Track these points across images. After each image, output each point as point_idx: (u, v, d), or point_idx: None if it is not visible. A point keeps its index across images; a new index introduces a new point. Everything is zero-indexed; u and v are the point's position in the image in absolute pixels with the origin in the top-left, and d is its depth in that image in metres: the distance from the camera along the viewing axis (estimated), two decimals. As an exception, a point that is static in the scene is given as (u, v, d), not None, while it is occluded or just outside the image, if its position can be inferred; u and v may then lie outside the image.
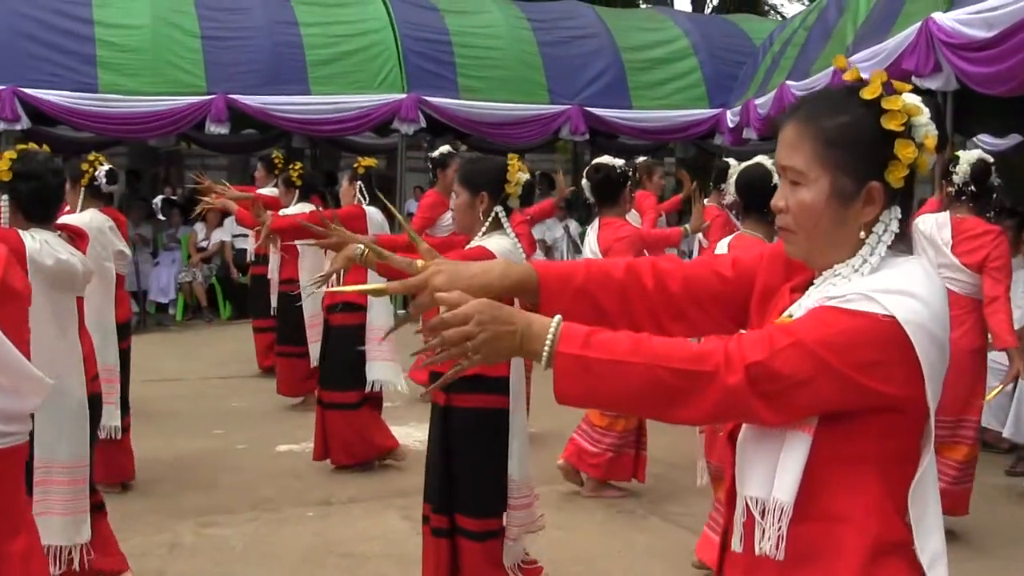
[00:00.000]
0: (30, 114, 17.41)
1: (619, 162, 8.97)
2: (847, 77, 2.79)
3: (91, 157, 8.80)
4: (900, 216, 2.70)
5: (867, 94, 2.68)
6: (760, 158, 6.88)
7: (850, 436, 2.60)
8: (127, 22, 18.26)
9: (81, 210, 8.64)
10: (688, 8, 34.39)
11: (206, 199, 11.27)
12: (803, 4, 34.39)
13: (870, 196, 2.67)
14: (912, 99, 2.68)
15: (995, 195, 8.22)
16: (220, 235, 19.55)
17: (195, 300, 19.51)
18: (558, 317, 2.62)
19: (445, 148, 12.09)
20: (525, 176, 6.21)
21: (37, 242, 6.07)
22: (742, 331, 2.76)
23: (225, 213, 15.35)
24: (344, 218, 9.47)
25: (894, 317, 2.50)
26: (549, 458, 9.13)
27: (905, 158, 2.64)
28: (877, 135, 2.64)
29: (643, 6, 34.58)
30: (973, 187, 7.85)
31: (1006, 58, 9.88)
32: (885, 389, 2.52)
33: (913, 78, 11.17)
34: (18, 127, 17.36)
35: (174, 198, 21.48)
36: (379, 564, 7.53)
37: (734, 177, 7.12)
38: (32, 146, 6.70)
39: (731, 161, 9.38)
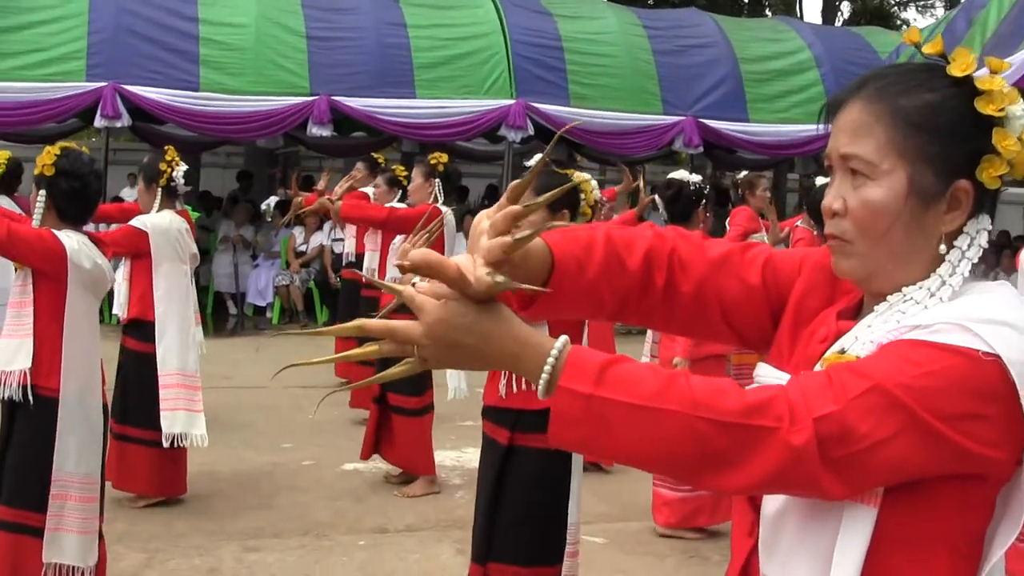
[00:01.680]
0: (131, 111, 17.11)
1: (695, 178, 8.54)
2: (908, 38, 2.31)
3: (168, 156, 8.53)
4: (989, 227, 2.14)
5: (956, 70, 2.10)
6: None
7: (923, 510, 2.01)
8: (232, 20, 17.97)
9: (158, 211, 8.40)
10: (818, 20, 33.71)
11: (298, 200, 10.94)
12: (936, 18, 33.54)
13: (956, 198, 2.09)
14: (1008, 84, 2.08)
15: None
16: (319, 239, 19.27)
17: (292, 304, 19.23)
18: (564, 339, 1.96)
19: (535, 157, 11.61)
20: (595, 194, 5.94)
21: (75, 242, 5.95)
22: (801, 372, 2.10)
23: (325, 216, 15.09)
24: (415, 219, 8.97)
25: (998, 356, 1.91)
26: (623, 491, 8.55)
27: (1006, 151, 2.06)
28: (969, 121, 2.07)
29: (769, 16, 33.84)
30: None
31: None
32: (980, 450, 1.93)
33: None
34: (119, 124, 17.13)
35: (284, 200, 21.27)
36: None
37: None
38: (71, 145, 6.45)
39: (818, 180, 8.67)
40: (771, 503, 2.15)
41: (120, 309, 8.86)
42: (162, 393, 8.20)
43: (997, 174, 2.06)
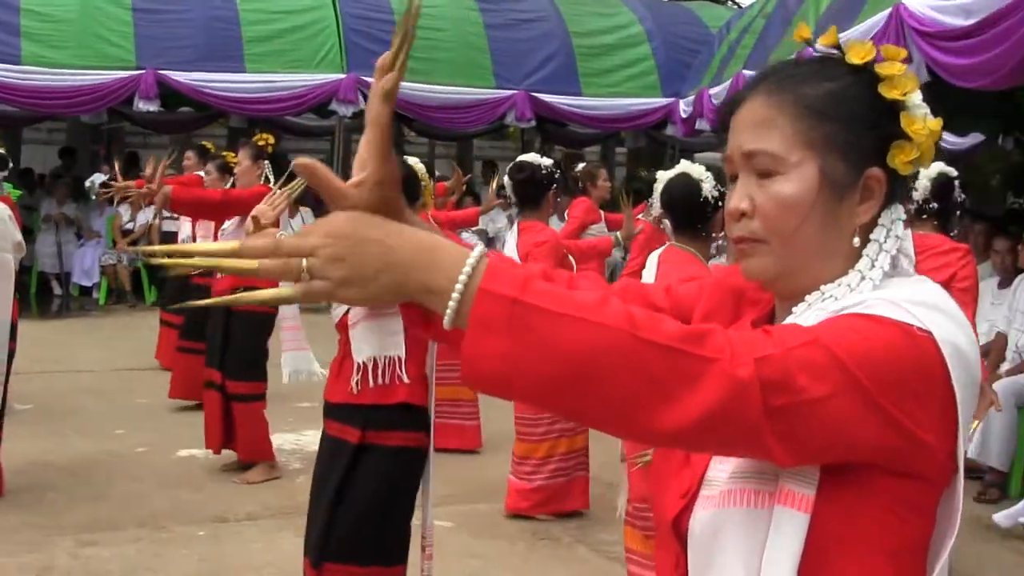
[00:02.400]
0: (-52, 86, 16.59)
1: (547, 161, 8.39)
2: (798, 35, 2.21)
3: None
4: (904, 217, 2.07)
5: (855, 58, 2.04)
6: (684, 166, 6.15)
7: (858, 514, 1.88)
8: (54, -9, 17.45)
9: None
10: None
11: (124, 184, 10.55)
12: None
13: (868, 188, 2.02)
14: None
15: (960, 212, 7.59)
16: (146, 216, 18.87)
17: (120, 284, 18.84)
18: (480, 247, 1.72)
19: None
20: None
21: None
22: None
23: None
24: (250, 200, 8.72)
25: (931, 333, 1.84)
26: (469, 473, 8.44)
27: (916, 135, 1.99)
28: (875, 107, 2.00)
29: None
30: (935, 203, 7.18)
31: (987, 48, 9.21)
32: (915, 429, 1.82)
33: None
34: (-66, 99, 16.63)
35: (107, 178, 20.84)
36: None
37: (659, 190, 6.28)
38: None
39: (658, 174, 8.66)
40: (698, 522, 1.99)
41: None
42: None
43: (908, 159, 1.99)
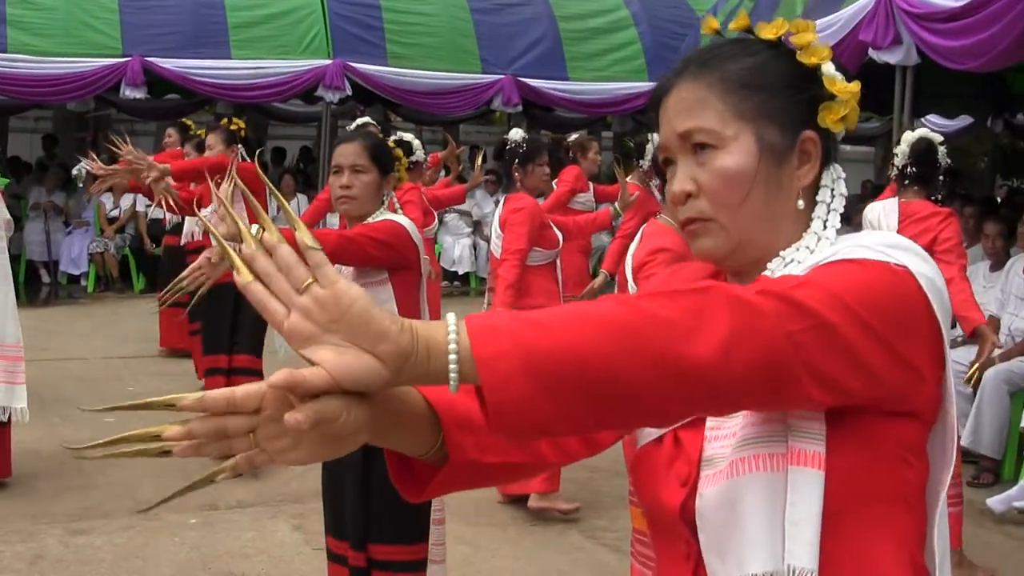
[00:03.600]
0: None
1: (516, 136, 8.48)
2: (707, 27, 2.28)
3: None
4: (843, 175, 2.13)
5: (768, 33, 2.13)
6: None
7: (869, 465, 1.89)
8: (40, -22, 17.38)
9: None
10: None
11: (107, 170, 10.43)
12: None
13: (805, 151, 2.07)
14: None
15: (943, 176, 7.59)
16: (130, 202, 18.83)
17: (107, 271, 18.81)
18: (451, 315, 1.61)
19: (365, 119, 11.37)
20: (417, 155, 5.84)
21: None
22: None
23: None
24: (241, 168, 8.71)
25: (907, 268, 1.87)
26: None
27: (841, 93, 2.07)
28: (796, 74, 2.08)
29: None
30: (915, 168, 7.26)
31: (978, 30, 9.22)
32: (919, 364, 1.85)
33: (871, 51, 10.59)
34: (-80, 87, 16.59)
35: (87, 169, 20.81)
36: (262, 585, 6.77)
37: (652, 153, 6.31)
38: None
39: (653, 136, 8.54)
40: (710, 502, 1.94)
41: None
42: None
43: (838, 117, 2.07)
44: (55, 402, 10.79)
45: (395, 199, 5.70)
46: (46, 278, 18.91)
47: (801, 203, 2.06)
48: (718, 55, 2.08)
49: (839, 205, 2.09)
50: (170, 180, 9.29)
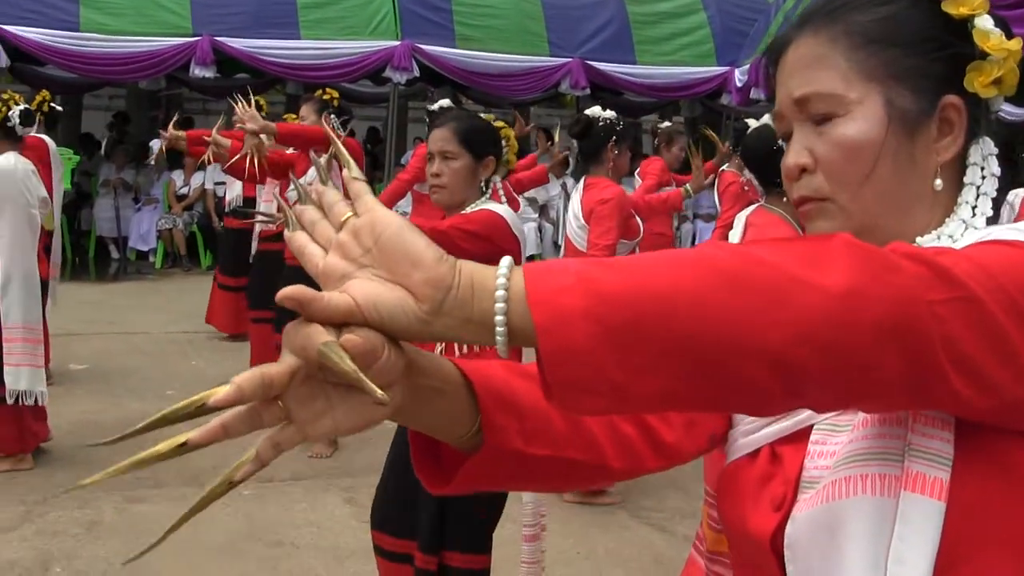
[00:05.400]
0: (10, 52, 16.73)
1: (608, 113, 8.05)
2: None
3: (5, 96, 8.22)
4: (995, 151, 1.75)
5: None
6: (767, 118, 5.57)
7: (1000, 500, 1.50)
8: (112, -41, 17.55)
9: None
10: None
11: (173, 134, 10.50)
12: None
13: (946, 119, 1.71)
14: None
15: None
16: (199, 180, 19.03)
17: (175, 248, 19.02)
18: (507, 259, 1.36)
19: (445, 102, 11.40)
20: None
21: None
22: None
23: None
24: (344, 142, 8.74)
25: None
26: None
27: (994, 50, 1.69)
28: (939, 27, 1.71)
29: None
30: None
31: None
32: None
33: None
34: (-1, 65, 16.80)
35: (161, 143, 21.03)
36: (305, 557, 6.89)
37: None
38: None
39: (750, 122, 8.15)
40: (803, 528, 1.62)
41: None
42: (5, 348, 8.00)
43: (989, 80, 1.70)
44: (119, 375, 10.97)
45: (499, 186, 5.42)
46: (115, 254, 19.11)
47: (939, 182, 1.72)
48: (845, 4, 1.76)
49: (990, 188, 1.74)
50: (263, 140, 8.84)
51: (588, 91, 19.30)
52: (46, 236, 8.79)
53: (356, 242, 1.36)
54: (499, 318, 1.31)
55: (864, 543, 1.53)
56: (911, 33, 1.71)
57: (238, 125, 8.34)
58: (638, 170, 11.75)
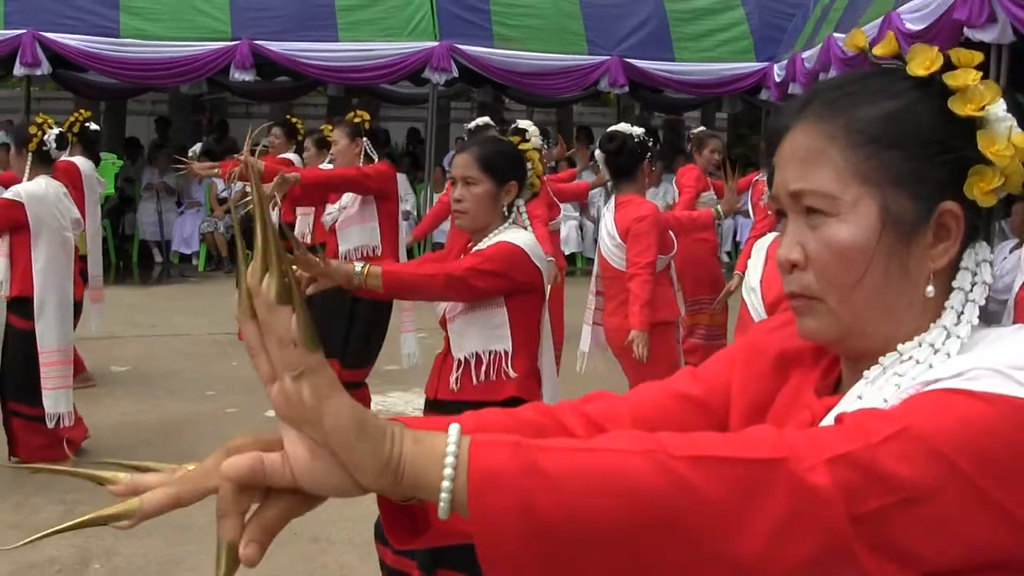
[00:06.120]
0: (51, 59, 16.91)
1: (637, 130, 7.95)
2: (850, 44, 1.85)
3: (39, 120, 8.29)
4: (990, 258, 1.70)
5: (919, 68, 1.67)
6: None
7: None
8: (151, -36, 17.72)
9: (29, 177, 8.17)
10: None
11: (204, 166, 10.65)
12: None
13: (943, 225, 1.66)
14: (982, 79, 1.66)
15: None
16: (240, 184, 19.12)
17: (218, 251, 19.16)
18: (455, 425, 1.41)
19: (482, 120, 11.40)
20: (533, 142, 5.63)
21: None
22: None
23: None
24: (376, 176, 8.76)
25: None
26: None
27: (997, 157, 1.62)
28: (944, 127, 1.65)
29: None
30: None
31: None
32: None
33: (965, 29, 10.47)
34: (39, 72, 17.06)
35: (210, 148, 21.15)
36: (341, 552, 6.97)
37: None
38: None
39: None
40: None
41: (2, 286, 8.49)
42: (43, 372, 8.06)
43: (990, 188, 1.64)
44: (161, 377, 11.08)
45: (523, 211, 5.39)
46: (158, 257, 19.28)
47: (931, 289, 1.67)
48: (850, 94, 1.71)
49: (979, 295, 1.67)
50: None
51: (627, 89, 19.39)
52: (79, 260, 8.86)
53: (303, 411, 1.36)
54: (442, 514, 1.37)
55: None
56: (914, 134, 1.66)
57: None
58: (675, 179, 11.74)
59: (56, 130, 8.36)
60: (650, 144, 7.95)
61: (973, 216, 1.66)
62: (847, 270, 1.65)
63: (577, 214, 20.06)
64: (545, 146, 10.90)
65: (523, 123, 8.89)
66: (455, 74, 18.26)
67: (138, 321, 13.71)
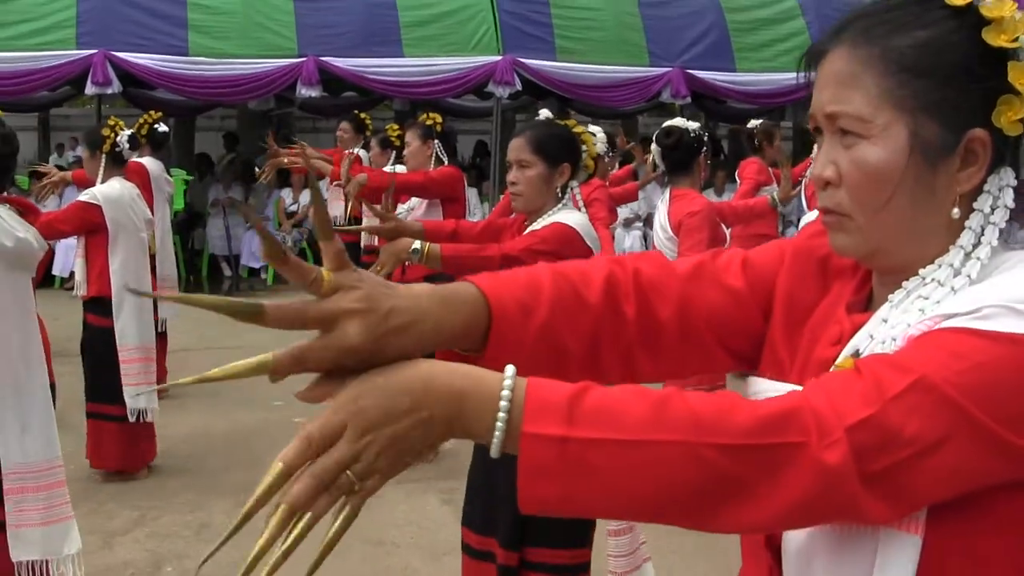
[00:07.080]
0: (121, 77, 17.17)
1: (693, 125, 7.99)
2: None
3: (111, 122, 8.51)
4: (1015, 183, 1.75)
5: None
6: None
7: (976, 534, 1.62)
8: (219, -16, 17.98)
9: (103, 180, 8.38)
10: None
11: (286, 158, 10.84)
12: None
13: (971, 151, 1.72)
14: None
15: None
16: (308, 198, 19.35)
17: (287, 264, 19.34)
18: (511, 371, 1.54)
19: (544, 113, 11.53)
20: (598, 147, 5.77)
21: None
22: (825, 373, 1.73)
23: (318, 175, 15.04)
24: (443, 181, 8.92)
25: None
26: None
27: None
28: (976, 57, 1.70)
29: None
30: None
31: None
32: None
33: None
34: (110, 91, 17.24)
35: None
36: (406, 554, 7.16)
37: None
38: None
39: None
40: (793, 540, 1.77)
41: (79, 287, 8.68)
42: (123, 368, 8.31)
43: (1018, 117, 1.68)
44: (229, 388, 11.02)
45: (578, 194, 5.51)
46: (228, 271, 19.47)
47: (956, 211, 1.74)
48: (886, 21, 1.75)
49: (1000, 219, 1.73)
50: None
51: (689, 99, 19.40)
52: (151, 258, 9.11)
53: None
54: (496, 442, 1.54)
55: (846, 570, 1.67)
56: (946, 64, 1.70)
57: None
58: (737, 172, 11.81)
59: (128, 131, 8.58)
60: (704, 138, 7.98)
61: (1000, 143, 1.72)
62: (876, 190, 1.73)
63: (641, 224, 20.13)
64: (609, 153, 10.98)
65: (591, 127, 8.99)
66: (518, 87, 18.33)
67: (208, 335, 13.91)
